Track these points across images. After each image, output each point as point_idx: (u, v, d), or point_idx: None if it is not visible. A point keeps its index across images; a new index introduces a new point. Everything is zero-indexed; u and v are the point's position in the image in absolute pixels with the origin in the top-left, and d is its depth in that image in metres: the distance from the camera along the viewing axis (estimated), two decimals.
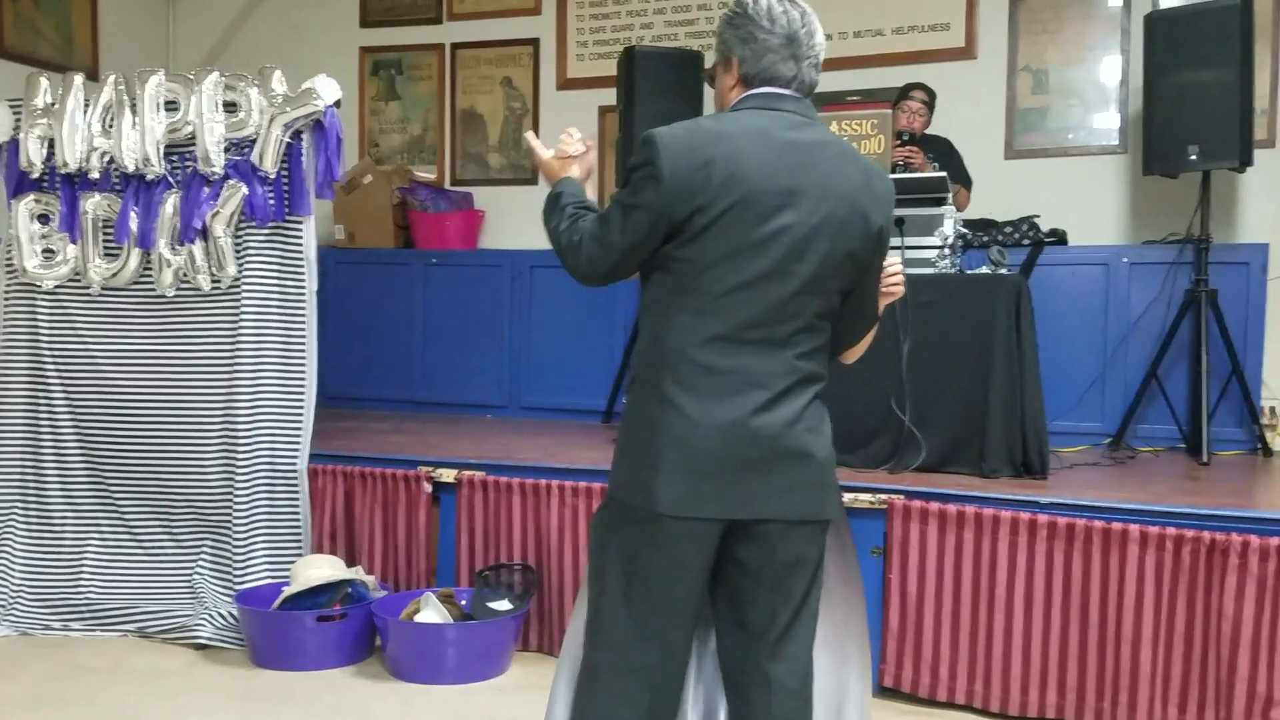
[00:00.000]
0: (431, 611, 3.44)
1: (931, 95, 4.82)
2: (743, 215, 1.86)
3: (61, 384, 3.92)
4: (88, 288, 3.91)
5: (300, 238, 3.82)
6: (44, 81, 3.96)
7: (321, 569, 3.58)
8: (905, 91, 4.84)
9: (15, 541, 3.90)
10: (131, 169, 3.83)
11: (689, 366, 1.88)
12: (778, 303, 1.88)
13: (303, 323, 3.83)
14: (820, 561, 1.99)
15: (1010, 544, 3.07)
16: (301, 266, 3.83)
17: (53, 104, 3.90)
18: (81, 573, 3.84)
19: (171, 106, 3.85)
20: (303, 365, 3.84)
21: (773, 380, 1.88)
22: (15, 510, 3.93)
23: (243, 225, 3.79)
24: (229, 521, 3.75)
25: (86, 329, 3.91)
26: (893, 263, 2.07)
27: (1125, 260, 4.56)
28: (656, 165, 1.85)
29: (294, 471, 3.81)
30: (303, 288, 3.83)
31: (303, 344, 3.83)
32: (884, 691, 3.25)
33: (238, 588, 3.69)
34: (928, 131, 4.83)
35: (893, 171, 3.84)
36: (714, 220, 1.85)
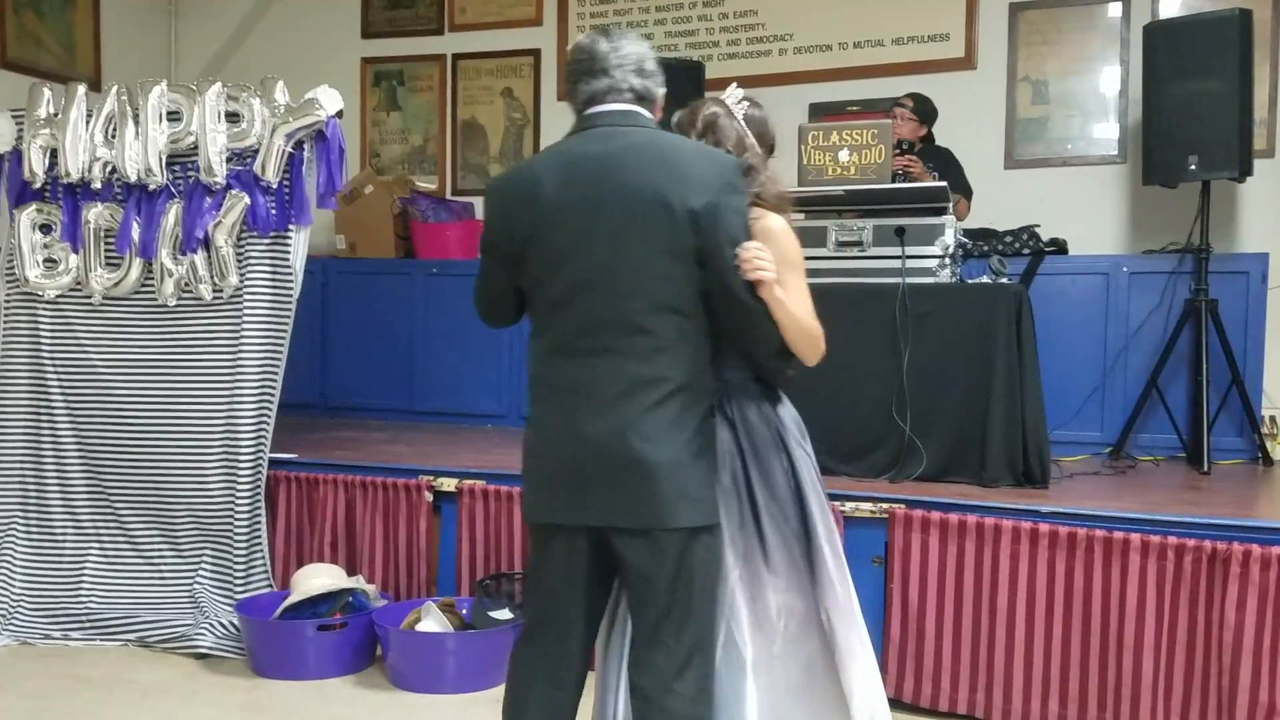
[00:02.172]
0: (432, 621, 3.44)
1: (920, 103, 4.82)
2: (545, 234, 1.98)
3: (62, 393, 3.92)
4: (89, 297, 3.92)
5: (294, 247, 3.83)
6: (47, 92, 3.97)
7: (322, 578, 3.58)
8: (896, 102, 4.86)
9: (16, 551, 3.89)
10: (134, 179, 3.84)
11: (538, 382, 2.04)
12: (594, 310, 1.95)
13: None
14: (683, 574, 1.97)
15: (1011, 553, 3.07)
16: (290, 275, 3.83)
17: (55, 114, 3.91)
18: (82, 582, 3.84)
19: (174, 117, 3.86)
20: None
21: (603, 389, 1.94)
22: (16, 519, 3.93)
23: (244, 235, 3.80)
24: (230, 530, 3.75)
25: (88, 338, 3.92)
26: (746, 246, 1.97)
27: (1125, 270, 4.56)
28: (486, 209, 2.09)
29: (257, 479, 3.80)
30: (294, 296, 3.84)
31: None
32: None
33: (238, 597, 3.68)
34: (932, 142, 4.84)
35: (892, 180, 3.85)
36: (524, 244, 2.00)
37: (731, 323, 2.02)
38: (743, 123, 2.21)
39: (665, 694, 1.99)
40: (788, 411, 2.20)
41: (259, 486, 3.79)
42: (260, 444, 3.79)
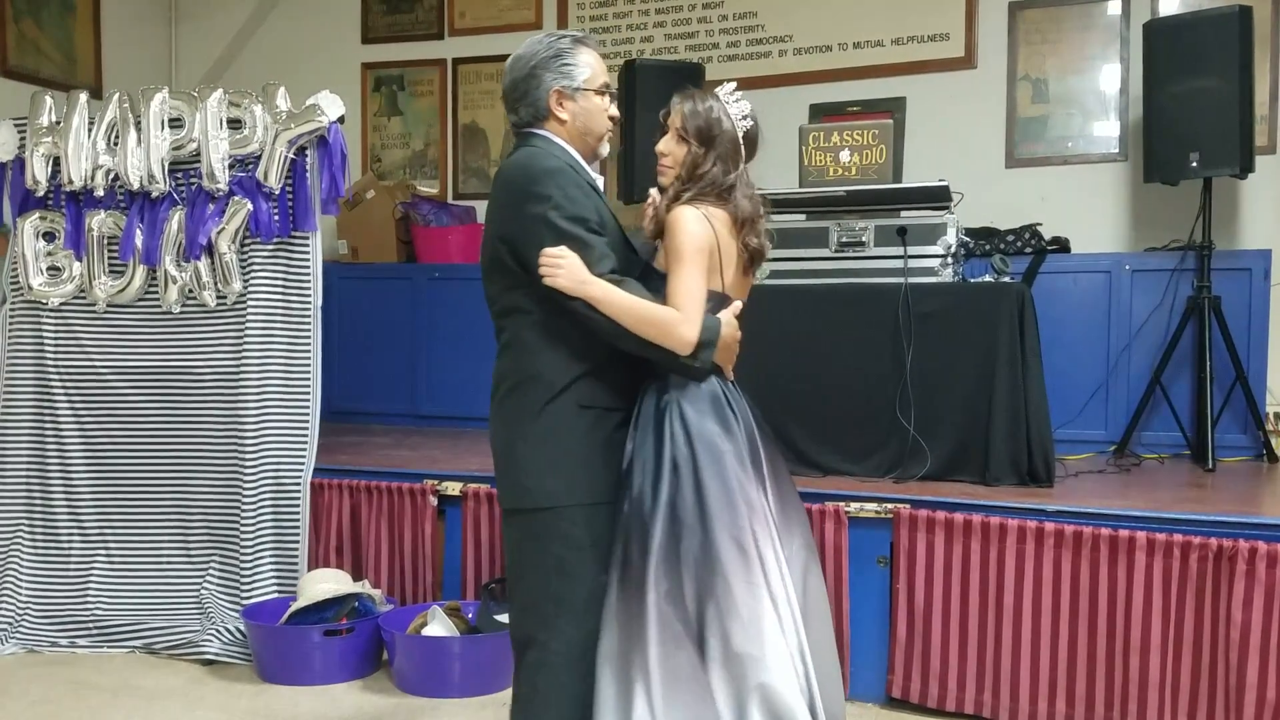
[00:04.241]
0: (438, 625, 3.44)
1: None
2: None
3: (67, 401, 3.92)
4: (93, 305, 3.92)
5: (305, 253, 3.84)
6: (48, 100, 3.98)
7: (328, 583, 3.59)
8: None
9: (22, 558, 3.90)
10: (136, 186, 3.85)
11: None
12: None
13: (307, 338, 3.84)
14: (507, 554, 2.18)
15: (1017, 552, 3.07)
16: (306, 281, 3.84)
17: (57, 122, 3.92)
18: (88, 589, 3.84)
19: (176, 124, 3.87)
20: (307, 380, 3.84)
21: (493, 378, 2.23)
22: (22, 527, 3.93)
23: (248, 241, 3.81)
24: (236, 537, 3.76)
25: (92, 346, 3.92)
26: (542, 253, 2.05)
27: (1127, 268, 4.56)
28: None
29: (299, 486, 3.81)
30: (307, 303, 3.84)
31: (307, 359, 3.84)
32: (892, 702, 3.24)
33: (245, 603, 3.69)
34: None
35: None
36: None
37: (580, 323, 2.07)
38: (740, 134, 2.20)
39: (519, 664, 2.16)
40: (700, 406, 2.11)
41: (264, 492, 3.78)
42: (264, 449, 3.78)
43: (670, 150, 2.21)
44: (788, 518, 2.18)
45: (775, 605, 2.03)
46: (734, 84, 2.24)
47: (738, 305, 2.21)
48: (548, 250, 2.03)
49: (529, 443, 2.11)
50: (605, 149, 2.27)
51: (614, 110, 2.26)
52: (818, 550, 3.22)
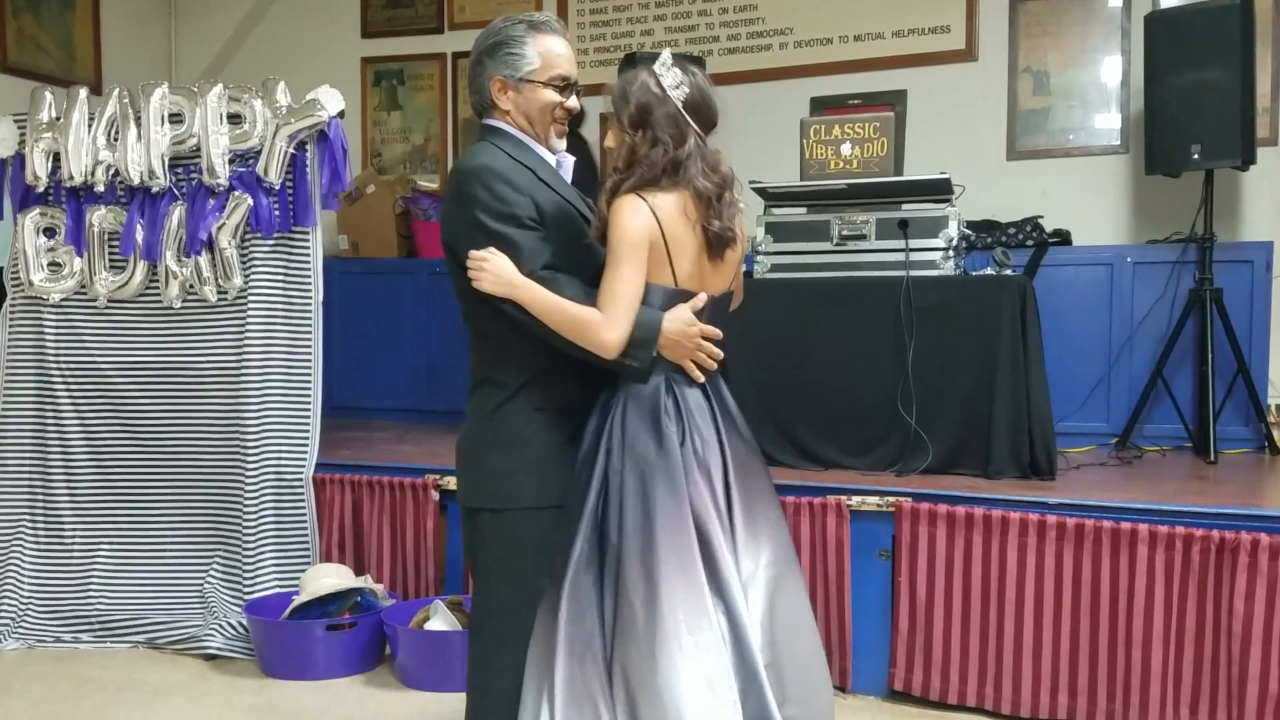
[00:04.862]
0: (440, 619, 3.44)
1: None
2: None
3: (69, 397, 3.93)
4: (94, 300, 3.92)
5: (305, 248, 3.84)
6: (48, 96, 3.98)
7: (330, 578, 3.59)
8: None
9: (24, 554, 3.90)
10: (136, 182, 3.84)
11: None
12: None
13: (308, 333, 3.84)
14: (467, 547, 2.17)
15: (1019, 545, 3.07)
16: (307, 277, 3.84)
17: (57, 118, 3.92)
18: (90, 584, 3.85)
19: (175, 119, 3.86)
20: (308, 375, 3.85)
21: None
22: (24, 523, 3.93)
23: (248, 236, 3.81)
24: (238, 531, 3.76)
25: (93, 342, 3.92)
26: (469, 255, 2.00)
27: (1129, 260, 4.55)
28: None
29: (300, 481, 3.81)
30: (308, 298, 3.84)
31: (308, 354, 3.85)
32: (893, 695, 3.24)
33: (247, 598, 3.69)
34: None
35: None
36: None
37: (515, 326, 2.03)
38: (679, 105, 2.02)
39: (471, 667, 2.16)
40: (640, 415, 2.02)
41: (265, 487, 3.78)
42: (266, 444, 3.78)
43: (615, 144, 2.08)
44: (756, 528, 2.06)
45: (690, 630, 1.93)
46: (667, 52, 2.06)
47: (700, 299, 2.04)
48: (473, 254, 1.99)
49: (481, 444, 2.09)
50: (559, 143, 2.16)
51: (571, 102, 2.13)
52: (819, 544, 3.26)
